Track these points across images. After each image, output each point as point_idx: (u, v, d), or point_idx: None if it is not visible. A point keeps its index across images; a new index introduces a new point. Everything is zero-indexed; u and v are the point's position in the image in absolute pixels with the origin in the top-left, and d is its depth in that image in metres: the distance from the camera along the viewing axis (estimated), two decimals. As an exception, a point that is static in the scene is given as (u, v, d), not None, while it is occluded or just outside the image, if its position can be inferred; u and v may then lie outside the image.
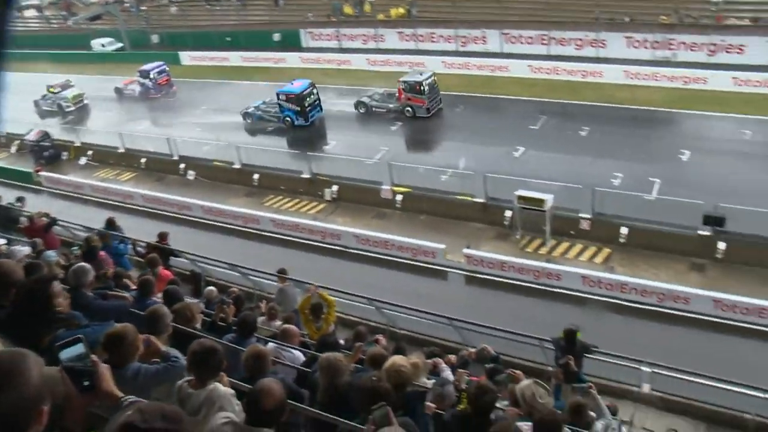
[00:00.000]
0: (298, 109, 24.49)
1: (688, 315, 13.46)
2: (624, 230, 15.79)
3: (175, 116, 28.62)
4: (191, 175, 22.98)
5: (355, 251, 17.18)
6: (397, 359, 4.57)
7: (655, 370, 9.68)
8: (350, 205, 19.71)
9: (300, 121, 24.64)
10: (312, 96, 24.80)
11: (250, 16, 37.96)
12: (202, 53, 35.77)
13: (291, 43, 34.29)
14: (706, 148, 19.43)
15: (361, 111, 25.17)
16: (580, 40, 27.66)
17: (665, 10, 26.67)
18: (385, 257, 16.76)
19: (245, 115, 25.99)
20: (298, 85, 24.79)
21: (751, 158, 18.54)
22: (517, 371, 6.28)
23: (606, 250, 15.99)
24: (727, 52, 24.62)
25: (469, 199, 18.17)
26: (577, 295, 14.39)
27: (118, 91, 32.40)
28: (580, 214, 16.46)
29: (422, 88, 23.64)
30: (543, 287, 14.87)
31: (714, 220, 14.84)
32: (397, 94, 24.26)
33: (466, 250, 16.07)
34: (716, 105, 21.85)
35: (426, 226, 18.11)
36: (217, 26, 37.64)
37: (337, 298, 9.55)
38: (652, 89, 23.82)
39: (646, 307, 13.87)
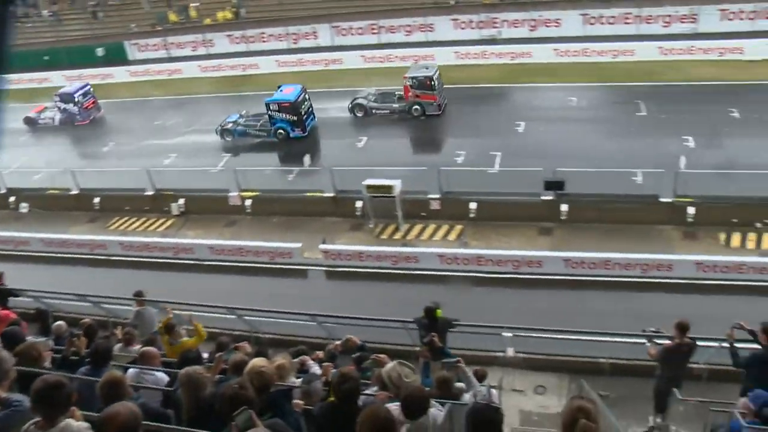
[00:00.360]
0: (295, 118, 21.87)
1: (543, 277, 14.40)
2: (473, 205, 16.49)
3: (128, 142, 24.83)
4: (24, 207, 21.20)
5: (211, 263, 16.76)
6: (257, 361, 4.56)
7: (516, 334, 10.21)
8: (200, 216, 19.38)
9: (296, 132, 22.05)
10: (306, 102, 22.38)
11: (67, 32, 35.69)
12: (17, 75, 31.92)
13: (116, 57, 33.03)
14: (538, 117, 20.95)
15: (358, 115, 22.94)
16: (409, 26, 28.84)
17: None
18: (242, 264, 16.45)
19: (223, 132, 22.88)
20: (289, 92, 22.07)
21: (578, 123, 20.39)
22: (381, 355, 6.24)
23: (458, 227, 16.62)
24: (546, 26, 27.06)
25: (319, 194, 18.18)
26: (436, 275, 14.78)
27: (30, 121, 27.68)
28: (429, 196, 16.99)
29: (432, 83, 21.63)
30: (402, 271, 15.11)
31: (554, 185, 15.97)
32: (402, 93, 22.21)
33: (322, 246, 15.95)
34: (543, 76, 23.77)
35: (280, 227, 18.06)
36: (31, 44, 34.41)
37: (197, 313, 9.60)
38: (483, 67, 25.43)
39: (504, 275, 14.58)
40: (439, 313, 8.60)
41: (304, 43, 30.57)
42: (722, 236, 15.07)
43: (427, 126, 21.70)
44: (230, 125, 22.79)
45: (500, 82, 24.09)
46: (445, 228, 16.82)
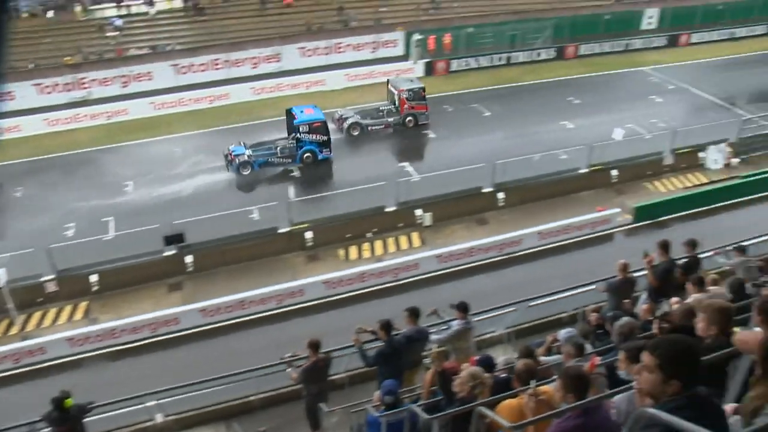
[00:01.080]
0: (325, 138, 21.97)
1: (183, 333, 15.24)
2: (94, 278, 16.52)
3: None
4: None
5: None
6: None
7: (161, 399, 10.65)
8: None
9: (325, 153, 22.16)
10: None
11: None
12: None
13: None
14: (146, 173, 21.83)
15: (354, 134, 23.90)
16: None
17: (67, 52, 27.86)
18: None
19: (242, 165, 21.08)
20: (311, 112, 22.25)
21: (188, 173, 21.72)
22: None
23: (83, 304, 16.41)
24: (138, 80, 27.90)
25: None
26: (68, 360, 14.41)
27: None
28: (42, 279, 16.34)
29: (424, 93, 24.39)
30: (28, 368, 14.23)
31: (174, 239, 17.10)
32: (398, 105, 24.47)
33: None
34: (143, 132, 24.85)
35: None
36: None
37: None
38: (79, 131, 25.15)
39: (144, 342, 14.94)
40: (69, 402, 8.51)
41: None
42: (341, 252, 18.30)
43: (28, 204, 20.08)
44: (247, 157, 21.22)
45: (99, 144, 24.14)
46: (68, 309, 16.38)
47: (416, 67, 30.39)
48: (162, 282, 16.99)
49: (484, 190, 19.95)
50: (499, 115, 26.19)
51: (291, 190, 20.63)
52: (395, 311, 9.60)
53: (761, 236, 14.04)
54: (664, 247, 10.18)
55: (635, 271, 10.56)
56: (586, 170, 21.28)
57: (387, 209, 19.10)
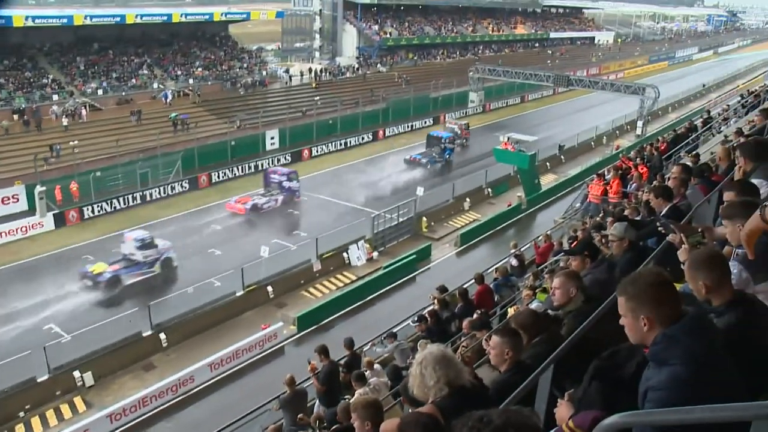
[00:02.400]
0: (452, 146, 44.00)
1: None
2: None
3: None
4: None
5: None
6: None
7: None
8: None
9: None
10: None
11: None
12: None
13: None
14: None
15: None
16: None
17: None
18: None
19: (429, 161, 41.79)
20: (438, 130, 47.72)
21: None
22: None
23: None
24: None
25: None
26: None
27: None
28: None
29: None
30: None
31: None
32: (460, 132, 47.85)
33: None
34: None
35: None
36: None
37: None
38: None
39: None
40: None
41: None
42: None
43: None
44: (426, 159, 41.89)
45: None
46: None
47: (45, 221, 30.74)
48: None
49: (145, 334, 21.54)
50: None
51: None
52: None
53: (407, 318, 17.71)
54: (324, 352, 11.53)
55: (304, 381, 12.81)
56: (243, 292, 24.65)
57: (39, 379, 19.36)
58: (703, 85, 76.90)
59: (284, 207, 34.55)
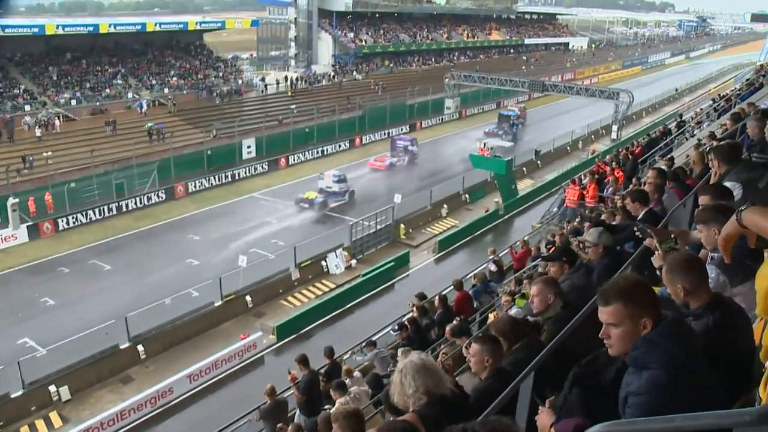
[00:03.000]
0: (518, 122, 54.43)
1: None
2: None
3: None
4: None
5: None
6: None
7: None
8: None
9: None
10: None
11: None
12: None
13: None
14: None
15: None
16: None
17: None
18: None
19: (504, 133, 51.42)
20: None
21: None
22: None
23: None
24: None
25: None
26: None
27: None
28: None
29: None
30: None
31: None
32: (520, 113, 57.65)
33: None
34: None
35: None
36: None
37: None
38: None
39: None
40: None
41: None
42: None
43: None
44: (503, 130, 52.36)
45: None
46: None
47: (18, 233, 30.27)
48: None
49: (123, 347, 21.26)
50: (122, 267, 27.89)
51: None
52: None
53: (386, 326, 17.66)
54: (303, 361, 11.51)
55: (284, 391, 12.82)
56: (221, 302, 24.46)
57: (13, 395, 19.02)
58: (676, 90, 77.95)
59: (409, 165, 44.71)
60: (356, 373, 12.49)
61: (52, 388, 19.40)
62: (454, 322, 10.82)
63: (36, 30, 44.61)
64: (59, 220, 31.84)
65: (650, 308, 2.74)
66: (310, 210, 34.55)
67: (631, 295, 2.77)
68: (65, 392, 19.53)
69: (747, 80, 33.12)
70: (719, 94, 34.93)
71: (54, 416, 19.06)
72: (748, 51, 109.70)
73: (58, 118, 40.82)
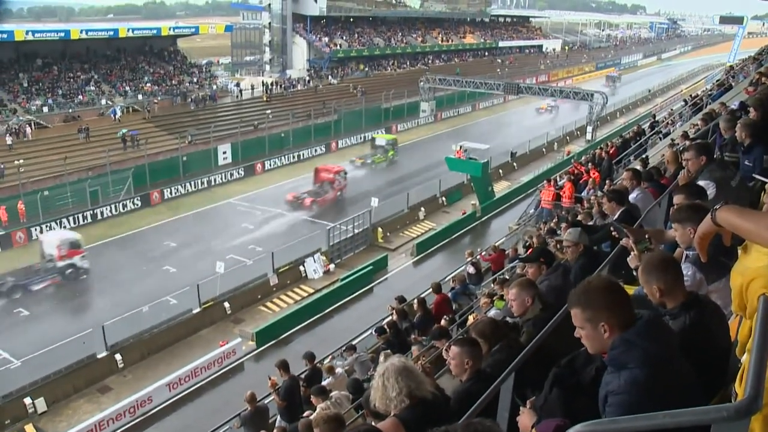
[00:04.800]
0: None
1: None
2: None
3: None
4: None
5: None
6: None
7: None
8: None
9: None
10: None
11: None
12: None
13: None
14: None
15: None
16: None
17: None
18: None
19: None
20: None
21: None
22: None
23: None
24: None
25: None
26: None
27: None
28: None
29: None
30: None
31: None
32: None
33: None
34: None
35: None
36: None
37: None
38: None
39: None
40: None
41: None
42: None
43: None
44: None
45: None
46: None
47: (-11, 243, 29.76)
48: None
49: (100, 356, 21.01)
50: (99, 276, 27.63)
51: None
52: None
53: (366, 330, 18.01)
54: (284, 366, 11.48)
55: (265, 397, 12.81)
56: (199, 309, 24.25)
57: (-14, 410, 18.68)
58: (649, 91, 78.98)
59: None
60: (339, 370, 12.49)
61: (27, 400, 19.06)
62: (436, 325, 10.84)
63: (5, 36, 43.82)
64: (32, 229, 31.34)
65: (608, 312, 2.75)
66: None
67: (586, 300, 2.79)
68: (41, 404, 19.21)
69: (717, 81, 33.64)
70: (690, 95, 35.44)
71: (29, 429, 18.71)
72: (718, 52, 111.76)
73: (30, 126, 40.18)
